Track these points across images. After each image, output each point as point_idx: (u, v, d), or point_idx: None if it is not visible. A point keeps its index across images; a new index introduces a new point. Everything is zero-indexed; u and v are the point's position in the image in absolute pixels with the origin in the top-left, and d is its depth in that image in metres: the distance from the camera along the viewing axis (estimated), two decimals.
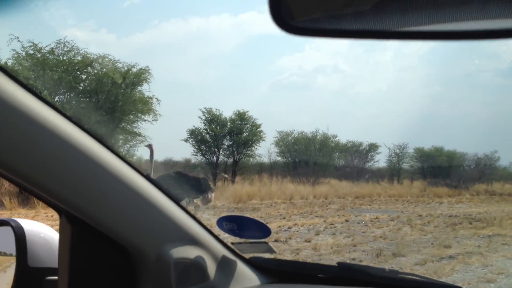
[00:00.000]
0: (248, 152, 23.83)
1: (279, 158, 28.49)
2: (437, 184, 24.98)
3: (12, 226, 1.32)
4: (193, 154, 24.01)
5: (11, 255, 1.36)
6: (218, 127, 23.31)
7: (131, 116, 17.43)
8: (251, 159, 24.48)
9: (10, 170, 0.89)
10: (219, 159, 23.50)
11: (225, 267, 1.26)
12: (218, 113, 23.58)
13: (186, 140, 23.24)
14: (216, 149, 23.39)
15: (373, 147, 29.88)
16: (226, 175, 22.24)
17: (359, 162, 29.85)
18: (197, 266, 1.18)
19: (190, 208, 9.84)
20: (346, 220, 12.63)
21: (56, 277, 1.16)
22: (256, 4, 42.70)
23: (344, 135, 36.48)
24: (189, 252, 1.17)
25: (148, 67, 17.95)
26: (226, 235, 1.43)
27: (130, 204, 1.06)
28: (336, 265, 1.48)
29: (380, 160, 29.94)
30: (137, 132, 18.33)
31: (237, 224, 1.41)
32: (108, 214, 1.03)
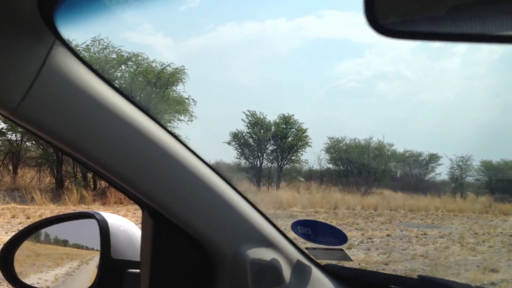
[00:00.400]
0: (293, 157, 22.65)
1: (330, 165, 27.14)
2: (504, 200, 22.38)
3: (97, 219, 1.36)
4: (236, 158, 23.15)
5: (92, 249, 1.43)
6: (262, 131, 22.41)
7: (166, 115, 16.96)
8: (296, 165, 23.22)
9: (107, 169, 0.99)
10: (263, 164, 22.53)
11: (300, 272, 1.26)
12: (262, 117, 22.69)
13: (229, 143, 22.54)
14: (259, 153, 22.42)
15: (433, 158, 27.47)
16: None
17: (418, 173, 27.61)
18: (273, 268, 1.19)
19: None
20: (388, 235, 11.26)
21: (137, 270, 1.24)
22: (314, 8, 41.61)
23: (406, 144, 34.40)
24: (265, 253, 1.19)
25: (183, 66, 17.52)
26: (301, 240, 1.40)
27: (210, 203, 1.12)
28: (417, 277, 1.44)
29: (442, 172, 27.51)
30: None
31: (312, 229, 1.40)
32: (189, 211, 1.09)
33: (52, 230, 1.54)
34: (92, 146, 0.94)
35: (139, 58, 17.07)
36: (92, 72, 0.92)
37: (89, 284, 1.35)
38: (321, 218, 14.37)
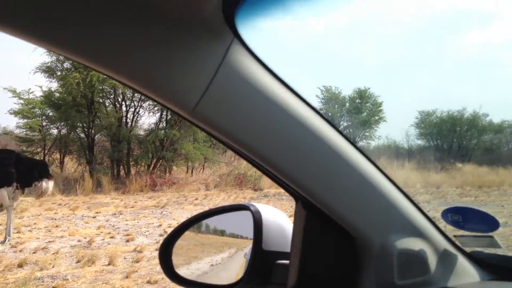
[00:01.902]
0: (366, 134, 22.37)
1: (419, 142, 25.93)
2: None
3: (251, 211, 1.39)
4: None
5: (246, 238, 1.45)
6: (336, 106, 22.45)
7: None
8: (370, 142, 22.84)
9: (273, 166, 0.99)
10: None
11: (446, 261, 1.23)
12: (337, 91, 22.70)
13: None
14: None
15: None
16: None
17: None
18: (419, 258, 1.17)
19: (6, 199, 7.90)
20: None
21: (286, 261, 1.24)
22: None
23: None
24: (413, 243, 1.17)
25: None
26: (449, 226, 1.37)
27: (360, 193, 1.09)
28: None
29: None
30: None
31: (463, 216, 1.36)
32: (341, 202, 1.07)
33: (211, 222, 1.61)
34: (263, 145, 0.95)
35: None
36: (267, 71, 0.93)
37: (239, 273, 1.41)
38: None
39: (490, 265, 1.32)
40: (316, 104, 22.49)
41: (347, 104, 22.45)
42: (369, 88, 22.03)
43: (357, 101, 22.29)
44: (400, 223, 1.15)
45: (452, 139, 25.15)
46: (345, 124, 22.56)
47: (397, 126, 29.34)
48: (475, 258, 1.31)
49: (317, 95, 22.69)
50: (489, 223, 1.31)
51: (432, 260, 1.18)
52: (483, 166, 21.41)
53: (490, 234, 1.32)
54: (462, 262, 1.26)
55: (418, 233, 1.18)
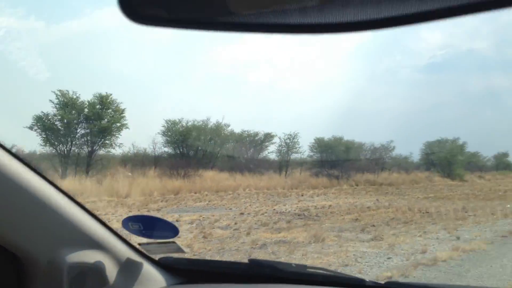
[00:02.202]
0: (106, 142, 20.47)
1: (166, 149, 25.66)
2: (318, 175, 22.86)
3: None
4: (40, 145, 19.87)
5: None
6: (74, 112, 19.95)
7: None
8: (110, 150, 21.06)
9: None
10: (71, 150, 19.93)
11: (129, 270, 1.25)
12: (74, 96, 20.14)
13: (31, 128, 19.51)
14: (68, 139, 19.82)
15: (268, 137, 27.33)
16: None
17: (254, 152, 27.31)
18: (94, 270, 1.15)
19: None
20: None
21: None
22: None
23: (273, 128, 35.08)
24: (88, 256, 1.16)
25: None
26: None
27: (21, 208, 1.03)
28: (248, 262, 1.53)
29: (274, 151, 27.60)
30: None
31: (144, 224, 1.42)
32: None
33: None
34: None
35: None
36: None
37: None
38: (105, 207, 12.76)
39: (178, 270, 1.45)
40: (50, 109, 19.71)
41: (86, 110, 20.21)
42: (111, 94, 20.38)
43: (98, 106, 20.30)
44: (72, 236, 1.15)
45: (197, 147, 25.78)
46: (82, 131, 20.20)
47: (145, 134, 29.69)
48: (163, 264, 1.42)
49: (51, 100, 19.74)
50: (169, 229, 1.43)
51: (112, 270, 1.21)
52: (224, 172, 22.38)
53: (172, 240, 1.43)
54: (148, 269, 1.34)
55: (96, 245, 1.19)
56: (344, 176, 22.73)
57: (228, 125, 26.99)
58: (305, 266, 1.49)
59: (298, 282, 1.44)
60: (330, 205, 13.35)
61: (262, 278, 1.44)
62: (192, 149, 25.90)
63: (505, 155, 48.42)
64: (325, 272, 1.53)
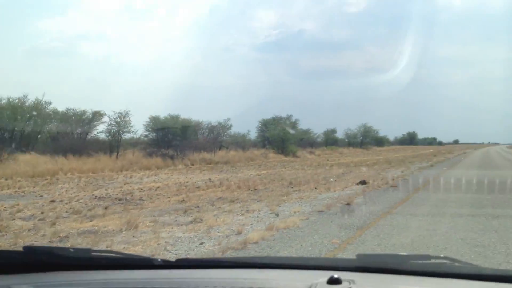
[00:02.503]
0: None
1: None
2: (152, 155, 22.01)
3: None
4: None
5: None
6: None
7: None
8: None
9: None
10: None
11: None
12: None
13: None
14: None
15: (97, 116, 25.19)
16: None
17: (81, 133, 24.94)
18: None
19: None
20: None
21: None
22: None
23: (106, 106, 32.08)
24: None
25: None
26: None
27: None
28: (22, 249, 1.42)
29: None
30: None
31: None
32: None
33: None
34: None
35: None
36: None
37: None
38: None
39: None
40: None
41: None
42: None
43: None
44: None
45: (14, 127, 22.56)
46: None
47: None
48: None
49: None
50: None
51: None
52: (46, 155, 19.90)
53: None
54: None
55: None
56: (180, 156, 22.19)
57: (50, 103, 24.18)
58: (89, 250, 1.45)
59: (80, 267, 1.36)
60: (158, 187, 12.57)
61: (39, 267, 1.35)
62: (7, 131, 22.60)
63: (333, 131, 53.93)
64: (112, 255, 1.49)
